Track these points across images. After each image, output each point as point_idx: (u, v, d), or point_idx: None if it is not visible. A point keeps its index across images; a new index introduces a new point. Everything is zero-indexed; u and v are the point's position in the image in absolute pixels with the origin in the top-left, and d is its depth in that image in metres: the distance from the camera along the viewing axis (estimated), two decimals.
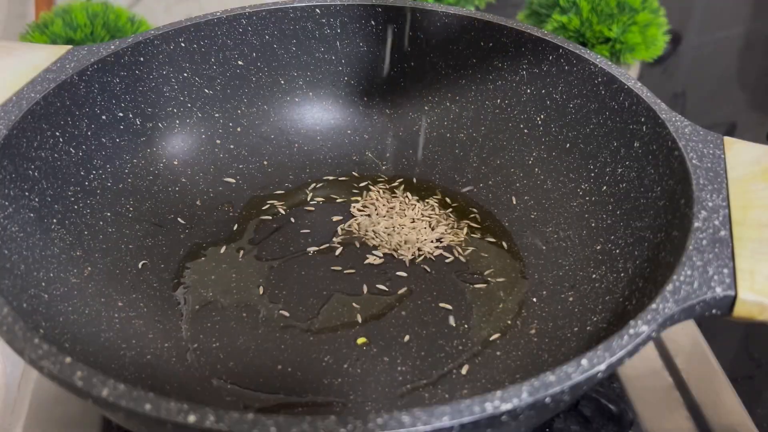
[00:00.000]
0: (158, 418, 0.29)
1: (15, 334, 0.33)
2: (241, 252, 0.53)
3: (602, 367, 0.31)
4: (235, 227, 0.55)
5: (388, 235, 0.54)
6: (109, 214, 0.52)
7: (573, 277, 0.49)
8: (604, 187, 0.50)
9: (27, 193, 0.46)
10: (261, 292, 0.50)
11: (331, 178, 0.59)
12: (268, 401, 0.43)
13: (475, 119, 0.59)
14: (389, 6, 0.58)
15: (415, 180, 0.59)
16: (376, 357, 0.45)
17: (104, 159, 0.53)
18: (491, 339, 0.46)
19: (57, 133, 0.49)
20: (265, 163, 0.60)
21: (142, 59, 0.54)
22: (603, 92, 0.51)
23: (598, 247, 0.49)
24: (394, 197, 0.57)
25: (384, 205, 0.56)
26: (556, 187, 0.54)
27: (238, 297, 0.49)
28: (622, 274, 0.45)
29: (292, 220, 0.55)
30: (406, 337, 0.47)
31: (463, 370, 0.44)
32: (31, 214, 0.46)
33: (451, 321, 0.48)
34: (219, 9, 0.57)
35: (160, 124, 0.57)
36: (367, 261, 0.52)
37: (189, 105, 0.58)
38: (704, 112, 0.94)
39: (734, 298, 0.35)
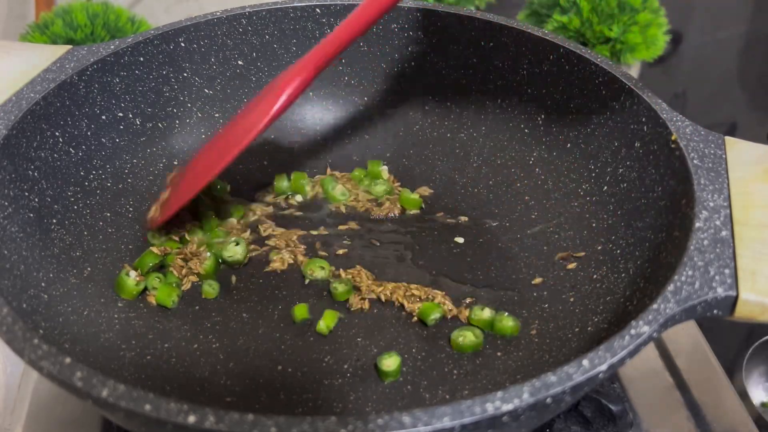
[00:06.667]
0: (158, 418, 0.29)
1: (15, 335, 0.33)
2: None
3: (603, 367, 0.31)
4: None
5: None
6: (109, 214, 0.52)
7: (574, 277, 0.49)
8: (605, 187, 0.50)
9: (27, 193, 0.46)
10: (262, 293, 0.50)
11: (331, 176, 0.59)
12: (268, 401, 0.43)
13: (476, 119, 0.59)
14: None
15: (415, 179, 0.59)
16: (376, 357, 0.45)
17: (104, 159, 0.53)
18: (492, 339, 0.46)
19: (57, 133, 0.49)
20: (265, 163, 0.59)
21: (142, 59, 0.54)
22: (604, 92, 0.51)
23: (599, 248, 0.49)
24: (393, 198, 0.57)
25: (385, 207, 0.56)
26: (556, 187, 0.54)
27: (238, 297, 0.49)
28: (623, 275, 0.45)
29: (293, 220, 0.55)
30: (407, 338, 0.46)
31: (464, 371, 0.44)
32: (31, 214, 0.46)
33: (452, 322, 0.47)
34: (219, 9, 0.57)
35: (160, 124, 0.57)
36: (366, 263, 0.52)
37: (189, 105, 0.58)
38: (705, 112, 0.94)
39: (736, 299, 0.35)
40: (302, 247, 0.53)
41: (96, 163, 0.52)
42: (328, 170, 0.59)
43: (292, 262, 0.51)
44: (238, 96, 0.60)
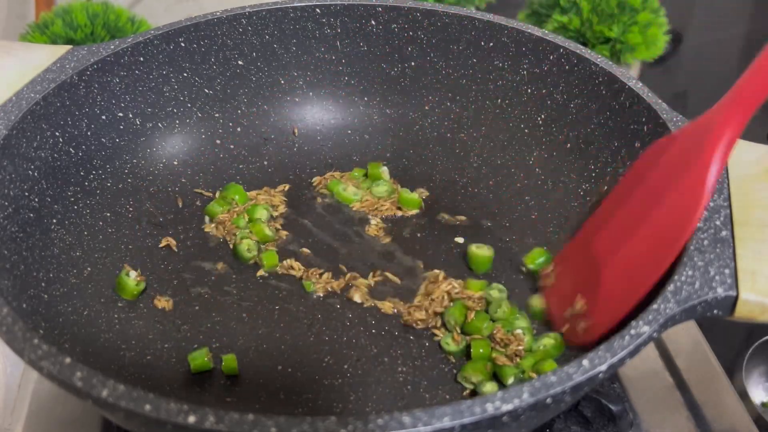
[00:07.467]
0: (158, 418, 0.29)
1: (15, 335, 0.33)
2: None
3: (603, 367, 0.31)
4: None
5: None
6: (109, 214, 0.52)
7: None
8: (605, 188, 0.50)
9: (27, 193, 0.46)
10: (262, 293, 0.50)
11: (331, 178, 0.59)
12: (268, 401, 0.43)
13: (476, 119, 0.59)
14: (389, 6, 0.58)
15: (415, 179, 0.58)
16: (376, 357, 0.45)
17: (104, 159, 0.53)
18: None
19: (57, 133, 0.49)
20: (265, 163, 0.59)
21: (142, 59, 0.54)
22: (604, 92, 0.51)
23: None
24: (393, 198, 0.57)
25: (385, 207, 0.56)
26: (557, 187, 0.54)
27: (239, 297, 0.49)
28: None
29: (293, 220, 0.55)
30: (407, 338, 0.46)
31: None
32: (31, 214, 0.46)
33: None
34: (219, 9, 0.57)
35: (160, 124, 0.57)
36: (368, 266, 0.52)
37: (189, 105, 0.58)
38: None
39: (736, 299, 0.35)
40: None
41: (96, 163, 0.52)
42: (337, 172, 0.59)
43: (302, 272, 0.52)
44: (238, 96, 0.60)
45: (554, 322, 0.45)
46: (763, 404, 0.62)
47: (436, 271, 0.50)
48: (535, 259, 0.50)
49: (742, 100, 0.36)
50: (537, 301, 0.47)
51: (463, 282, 0.49)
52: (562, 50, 0.53)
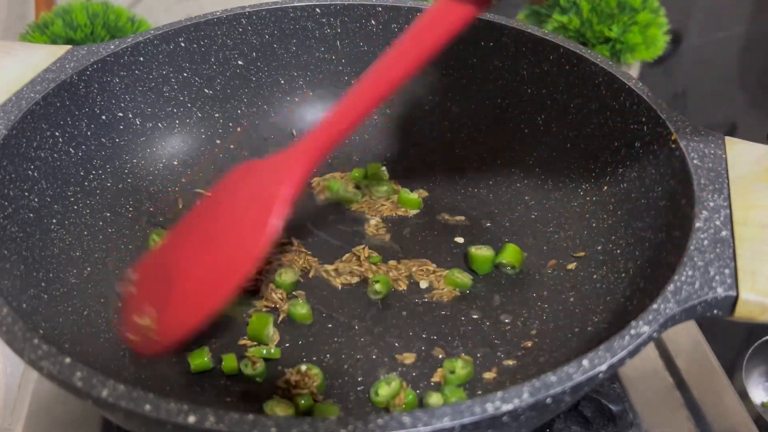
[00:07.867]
0: (158, 418, 0.29)
1: (15, 335, 0.33)
2: None
3: (603, 367, 0.31)
4: None
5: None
6: (109, 214, 0.52)
7: (574, 277, 0.49)
8: (605, 187, 0.50)
9: (27, 193, 0.46)
10: (263, 293, 0.50)
11: (331, 178, 0.59)
12: (268, 401, 0.43)
13: (476, 119, 0.59)
14: (389, 6, 0.58)
15: (415, 179, 0.58)
16: (376, 359, 0.45)
17: (104, 159, 0.53)
18: (492, 340, 0.46)
19: (57, 133, 0.49)
20: None
21: (142, 59, 0.54)
22: (604, 92, 0.51)
23: (599, 248, 0.49)
24: (393, 198, 0.57)
25: (385, 207, 0.56)
26: (556, 187, 0.54)
27: (238, 297, 0.49)
28: (623, 275, 0.45)
29: (293, 220, 0.55)
30: (406, 339, 0.46)
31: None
32: (31, 214, 0.45)
33: (451, 322, 0.47)
34: (219, 9, 0.57)
35: (160, 124, 0.57)
36: (369, 268, 0.52)
37: (189, 105, 0.58)
38: (705, 111, 0.94)
39: (736, 299, 0.35)
40: (315, 259, 0.52)
41: (96, 163, 0.52)
42: (337, 172, 0.59)
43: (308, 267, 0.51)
44: (238, 96, 0.60)
45: (125, 329, 0.43)
46: (763, 404, 0.62)
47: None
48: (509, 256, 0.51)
49: (311, 149, 0.39)
50: None
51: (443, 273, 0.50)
52: (562, 50, 0.53)
